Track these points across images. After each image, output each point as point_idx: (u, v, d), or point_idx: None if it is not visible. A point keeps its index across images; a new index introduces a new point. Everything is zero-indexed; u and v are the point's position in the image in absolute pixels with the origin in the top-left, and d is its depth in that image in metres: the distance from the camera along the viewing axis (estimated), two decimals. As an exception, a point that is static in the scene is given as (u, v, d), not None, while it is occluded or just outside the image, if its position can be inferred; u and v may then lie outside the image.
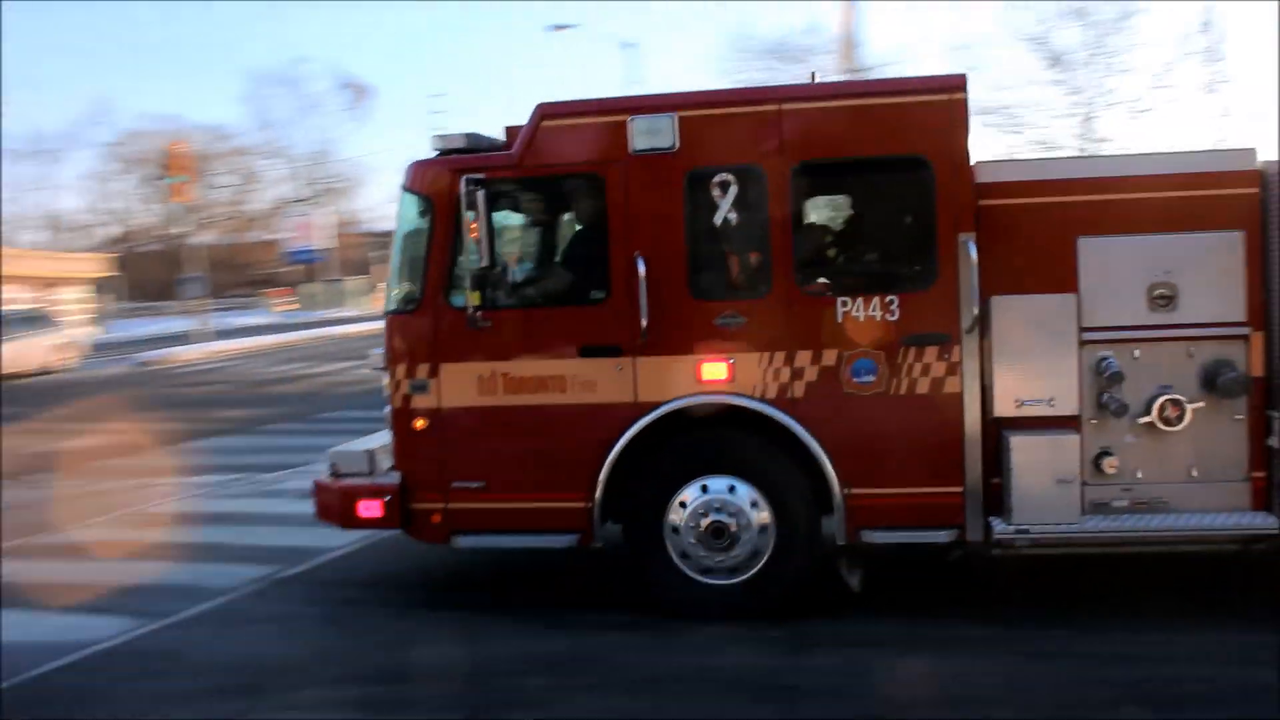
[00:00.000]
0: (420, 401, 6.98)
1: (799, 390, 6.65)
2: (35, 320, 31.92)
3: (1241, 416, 6.62)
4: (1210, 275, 6.61)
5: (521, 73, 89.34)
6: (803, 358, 6.65)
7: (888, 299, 6.57)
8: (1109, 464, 6.70)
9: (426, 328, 6.95)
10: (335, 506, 7.17)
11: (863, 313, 6.59)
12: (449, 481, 6.97)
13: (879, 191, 7.00)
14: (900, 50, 62.56)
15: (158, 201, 62.78)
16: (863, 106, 6.68)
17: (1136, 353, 6.70)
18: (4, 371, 28.07)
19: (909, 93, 6.64)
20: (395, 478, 7.07)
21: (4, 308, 35.18)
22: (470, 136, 7.02)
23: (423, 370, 6.97)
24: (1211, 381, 6.62)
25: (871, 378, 6.58)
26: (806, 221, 6.80)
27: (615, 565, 7.28)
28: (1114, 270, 6.69)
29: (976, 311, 6.49)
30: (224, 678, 6.31)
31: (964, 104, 6.49)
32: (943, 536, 6.66)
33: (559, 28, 43.07)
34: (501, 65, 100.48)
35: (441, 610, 7.41)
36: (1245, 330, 6.59)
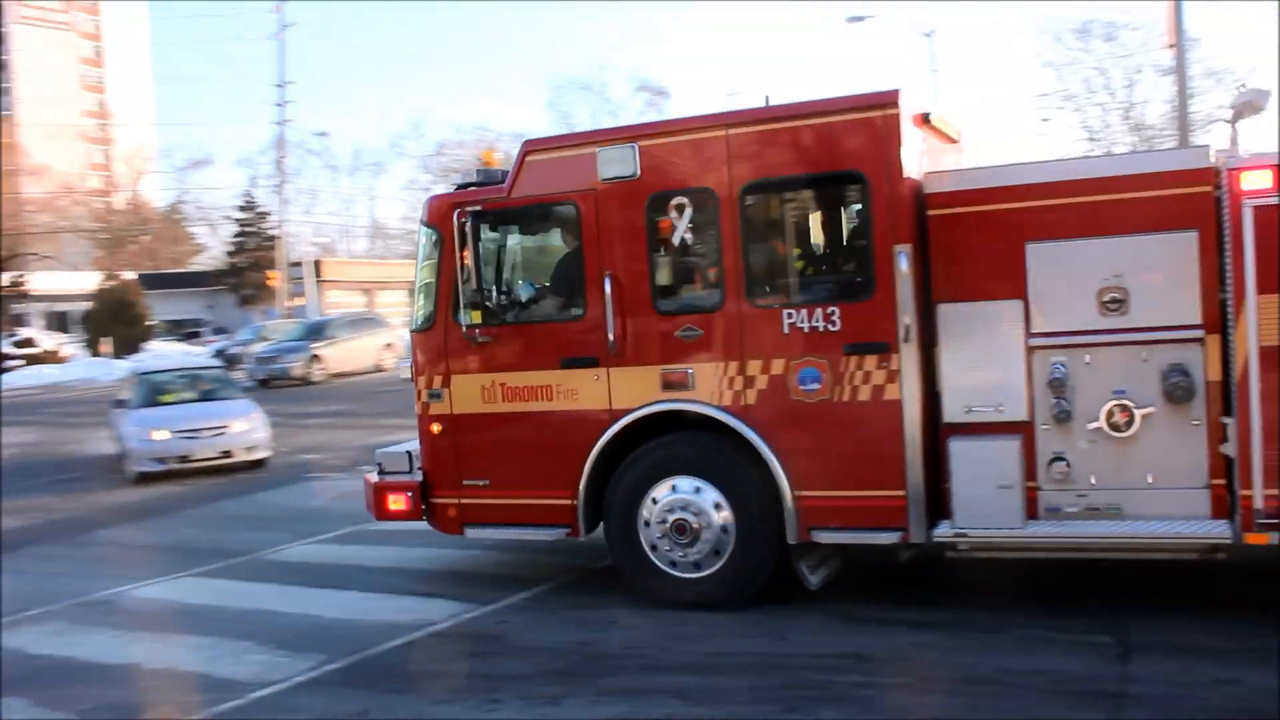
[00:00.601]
0: (437, 408, 8.01)
1: (751, 397, 7.17)
2: (367, 322, 35.20)
3: (1199, 422, 6.52)
4: (1163, 277, 6.55)
5: (822, 68, 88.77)
6: (754, 367, 7.16)
7: (829, 310, 6.97)
8: (1059, 470, 6.79)
9: (439, 343, 7.97)
10: (371, 500, 8.32)
11: (807, 323, 7.02)
12: (461, 479, 7.97)
13: (820, 207, 7.38)
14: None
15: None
16: (801, 127, 7.09)
17: (1088, 358, 6.74)
18: (340, 370, 31.43)
19: (843, 111, 6.98)
20: (419, 475, 8.11)
21: (339, 311, 39.62)
22: (483, 173, 7.93)
23: (438, 381, 8.00)
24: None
25: (816, 385, 6.99)
26: (754, 238, 7.24)
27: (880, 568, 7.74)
28: (1063, 275, 6.78)
29: (908, 321, 6.74)
30: (545, 662, 6.72)
31: (896, 119, 6.77)
32: (887, 538, 6.98)
33: (856, 19, 42.58)
34: (800, 61, 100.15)
35: (746, 606, 7.42)
36: (1200, 334, 6.47)
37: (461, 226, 7.70)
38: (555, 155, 7.70)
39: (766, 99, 7.38)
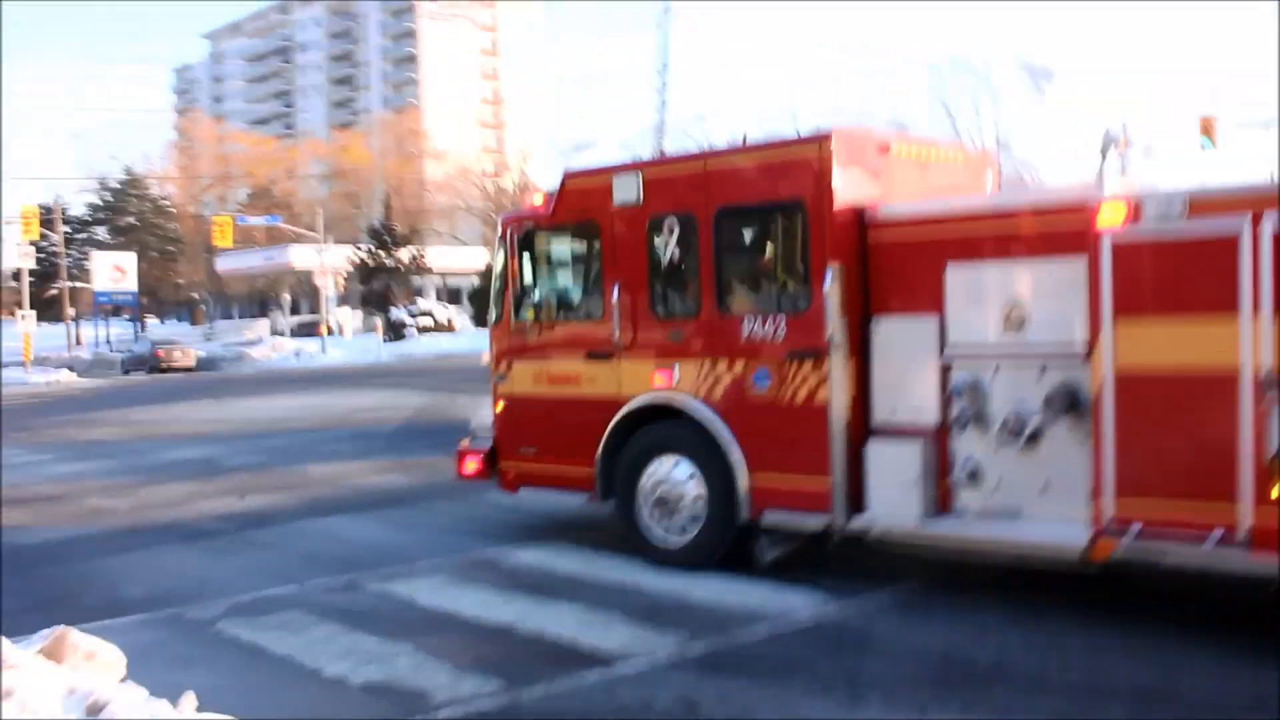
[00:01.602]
0: (502, 389, 9.90)
1: (718, 393, 8.54)
2: None
3: (1084, 436, 7.26)
4: (1056, 299, 7.34)
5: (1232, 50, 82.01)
6: (721, 366, 8.52)
7: (777, 319, 8.23)
8: (968, 473, 7.74)
9: (504, 336, 9.85)
10: (457, 463, 10.30)
11: (760, 331, 8.31)
12: (517, 448, 9.80)
13: (773, 230, 8.55)
14: None
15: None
16: (759, 163, 8.37)
17: (994, 371, 7.63)
18: None
19: (789, 148, 8.21)
20: (489, 444, 10.03)
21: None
22: (543, 196, 9.72)
23: (503, 367, 9.88)
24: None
25: (766, 384, 8.28)
26: (723, 256, 8.56)
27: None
28: (975, 294, 7.70)
29: (833, 332, 7.88)
30: (911, 666, 6.67)
31: (829, 157, 7.92)
32: (816, 522, 8.17)
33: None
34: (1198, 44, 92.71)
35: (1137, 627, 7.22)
36: (1084, 352, 7.22)
37: (518, 241, 9.49)
38: (585, 183, 9.36)
39: (744, 138, 8.64)
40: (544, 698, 6.39)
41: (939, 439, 7.84)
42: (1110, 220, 6.87)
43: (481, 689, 6.51)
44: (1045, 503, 7.48)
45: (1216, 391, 6.52)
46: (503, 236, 9.90)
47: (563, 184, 9.45)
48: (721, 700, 6.22)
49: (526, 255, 9.62)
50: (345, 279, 66.59)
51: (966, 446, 7.76)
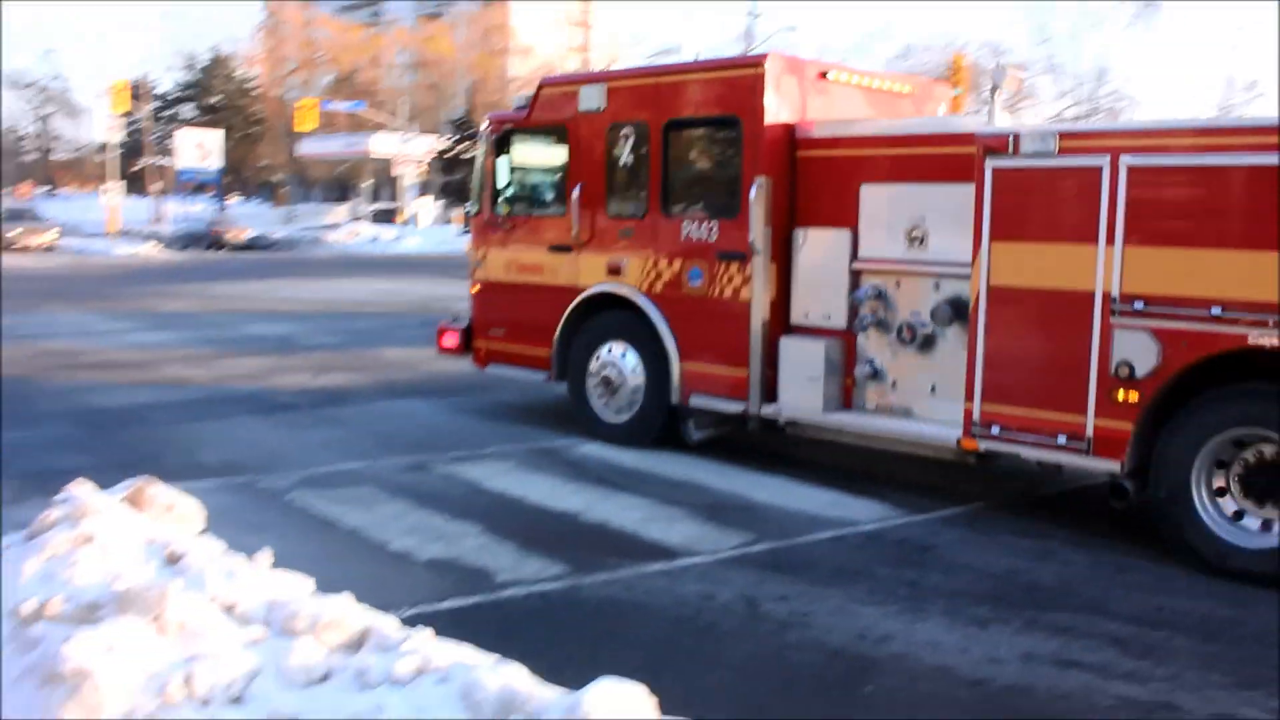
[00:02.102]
0: (478, 275, 10.92)
1: (659, 287, 9.48)
2: None
3: (964, 345, 8.08)
4: (950, 220, 8.12)
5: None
6: (662, 264, 9.44)
7: (711, 223, 9.09)
8: (868, 373, 8.61)
9: (481, 226, 10.81)
10: (436, 338, 11.36)
11: (696, 233, 9.19)
12: (488, 328, 10.82)
13: (711, 143, 9.37)
14: None
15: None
16: (703, 80, 9.19)
17: (897, 283, 8.46)
18: None
19: (728, 69, 9.02)
20: (467, 321, 11.06)
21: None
22: (523, 98, 10.61)
23: (480, 255, 10.87)
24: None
25: (700, 282, 9.18)
26: (669, 164, 9.41)
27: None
28: (884, 213, 8.53)
29: (755, 237, 8.74)
30: (973, 582, 6.70)
31: (761, 78, 8.70)
32: (734, 407, 9.11)
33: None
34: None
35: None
36: (969, 270, 8.01)
37: (497, 139, 10.41)
38: (559, 90, 10.23)
39: (697, 55, 9.43)
40: (605, 584, 6.57)
41: (845, 341, 8.68)
42: (993, 151, 7.59)
43: (544, 571, 6.72)
44: (933, 402, 8.35)
45: (1071, 310, 7.29)
46: (485, 134, 10.80)
47: (539, 89, 10.34)
48: (780, 600, 6.35)
49: (504, 154, 10.55)
50: (426, 169, 67.70)
51: (869, 349, 8.62)
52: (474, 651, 4.07)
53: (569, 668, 4.61)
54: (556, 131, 10.27)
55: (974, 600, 6.40)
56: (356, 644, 4.11)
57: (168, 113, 74.62)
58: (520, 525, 7.65)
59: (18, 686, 3.73)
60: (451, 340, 11.22)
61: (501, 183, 10.59)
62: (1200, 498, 6.94)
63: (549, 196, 10.53)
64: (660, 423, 9.64)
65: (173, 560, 4.45)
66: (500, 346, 10.82)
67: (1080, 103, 69.97)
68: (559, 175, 10.32)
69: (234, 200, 79.14)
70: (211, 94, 77.54)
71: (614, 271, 9.77)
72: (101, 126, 68.70)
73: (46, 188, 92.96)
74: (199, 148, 66.68)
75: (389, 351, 16.24)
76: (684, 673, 5.39)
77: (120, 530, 4.56)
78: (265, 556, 4.70)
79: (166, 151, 70.52)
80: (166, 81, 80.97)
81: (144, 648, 3.84)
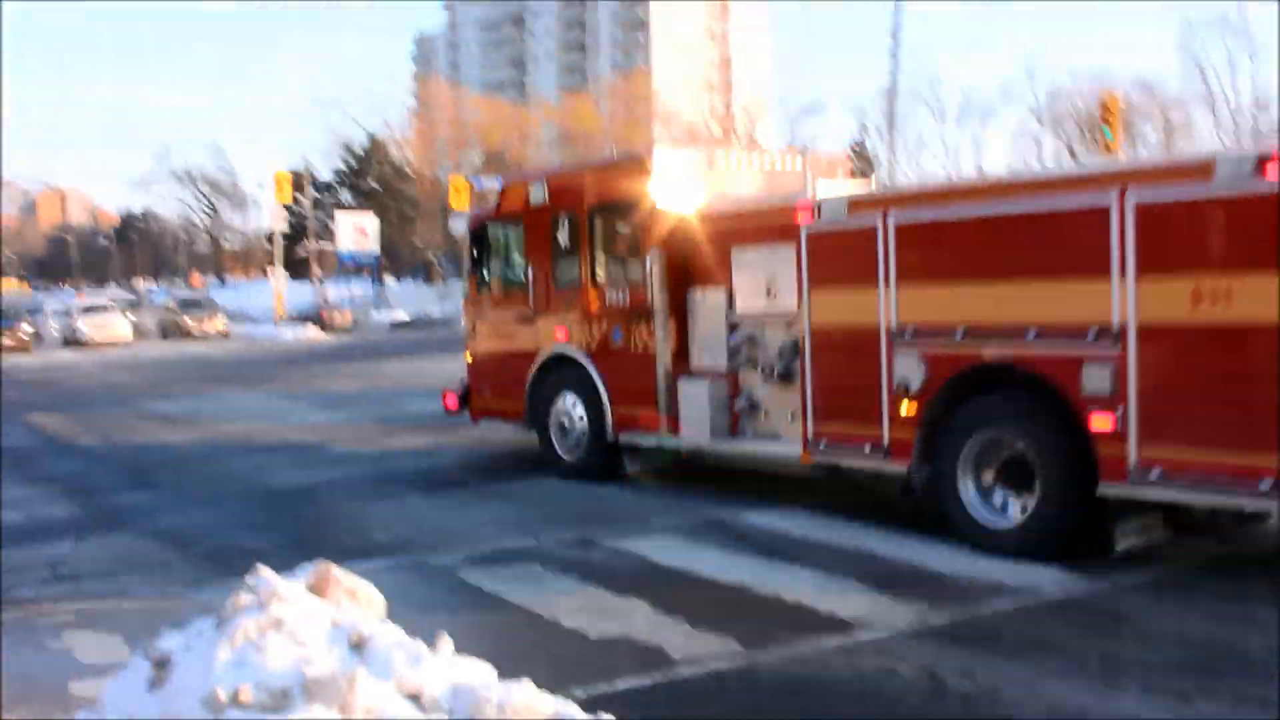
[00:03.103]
0: (470, 346, 13.55)
1: (594, 346, 11.91)
2: None
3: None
4: (789, 274, 10.17)
5: None
6: (595, 326, 11.81)
7: (625, 289, 11.38)
8: (746, 405, 10.70)
9: (470, 306, 13.36)
10: (442, 401, 13.87)
11: (615, 298, 11.51)
12: (479, 389, 13.31)
13: (622, 222, 11.64)
14: None
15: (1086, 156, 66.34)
16: (615, 173, 11.64)
17: (762, 329, 10.58)
18: None
19: (629, 162, 11.42)
20: (463, 386, 13.55)
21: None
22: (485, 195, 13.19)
23: (470, 329, 13.42)
24: (783, 353, 10.29)
25: (619, 338, 11.52)
26: (594, 241, 11.73)
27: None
28: (749, 271, 10.68)
29: (654, 299, 10.97)
30: (1172, 652, 6.51)
31: (650, 170, 11.02)
32: (650, 441, 11.33)
33: None
34: None
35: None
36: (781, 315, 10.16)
37: (474, 232, 12.93)
38: (516, 187, 12.91)
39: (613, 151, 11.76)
40: (782, 661, 6.60)
41: (729, 380, 10.78)
42: (803, 217, 9.65)
43: (718, 648, 6.80)
44: (793, 426, 10.34)
45: (866, 341, 9.35)
46: (467, 228, 13.36)
47: (503, 188, 12.89)
48: (965, 675, 6.20)
49: (481, 243, 13.09)
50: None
51: (745, 385, 10.71)
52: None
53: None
54: (516, 221, 12.77)
55: (1173, 671, 6.17)
56: (543, 732, 4.17)
57: (327, 199, 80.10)
58: (690, 600, 7.80)
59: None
60: (452, 401, 13.83)
61: (480, 267, 13.07)
62: (964, 489, 8.81)
63: (514, 275, 13.06)
64: (602, 459, 11.94)
65: (357, 646, 4.51)
66: (488, 403, 13.35)
67: (1238, 133, 68.10)
68: (520, 257, 12.74)
69: (389, 280, 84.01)
70: (368, 178, 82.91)
71: (565, 335, 12.06)
72: (266, 215, 74.18)
73: (217, 276, 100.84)
74: (357, 231, 71.43)
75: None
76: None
77: (306, 615, 4.63)
78: (445, 643, 4.71)
79: (327, 236, 75.67)
80: (325, 169, 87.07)
81: (333, 736, 3.91)
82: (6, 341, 44.93)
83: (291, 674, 4.25)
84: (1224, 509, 7.90)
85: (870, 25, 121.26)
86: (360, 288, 73.10)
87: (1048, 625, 7.08)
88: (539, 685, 4.45)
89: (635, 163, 11.47)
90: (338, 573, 5.13)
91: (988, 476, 8.80)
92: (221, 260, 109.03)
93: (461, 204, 66.26)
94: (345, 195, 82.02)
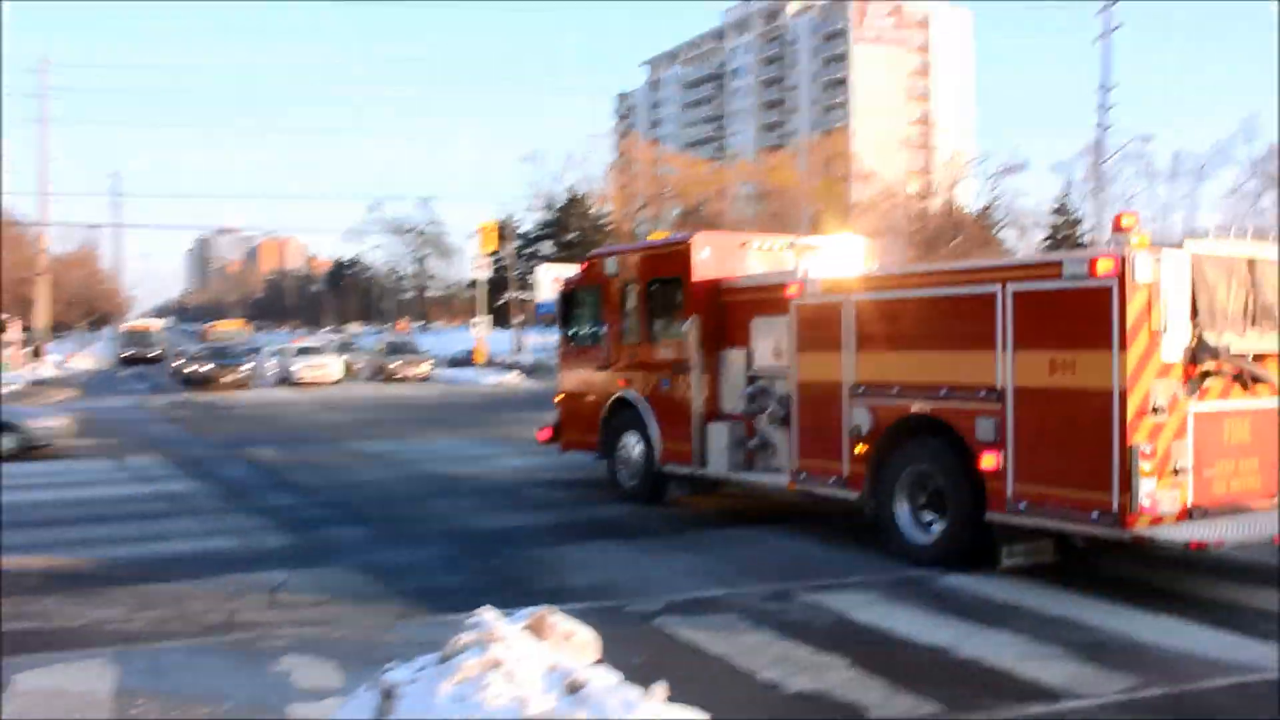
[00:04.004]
0: (561, 387, 16.51)
1: (647, 392, 14.63)
2: None
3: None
4: (788, 340, 12.66)
5: None
6: (649, 377, 14.58)
7: (672, 347, 14.09)
8: (760, 444, 13.22)
9: (562, 355, 16.30)
10: (537, 435, 16.81)
11: (664, 354, 14.24)
12: (566, 425, 16.23)
13: (671, 292, 14.29)
14: None
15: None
16: (663, 252, 14.43)
17: (772, 381, 13.10)
18: None
19: (674, 244, 14.14)
20: (555, 421, 16.46)
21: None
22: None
23: (561, 374, 16.47)
24: (773, 402, 12.83)
25: (666, 387, 14.19)
26: (650, 308, 14.45)
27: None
28: (763, 336, 13.28)
29: (690, 356, 13.63)
30: None
31: (690, 250, 13.70)
32: (685, 470, 13.96)
33: None
34: None
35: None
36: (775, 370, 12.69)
37: (564, 295, 15.90)
38: (595, 260, 15.94)
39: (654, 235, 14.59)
40: None
41: (745, 423, 13.29)
42: (792, 293, 12.14)
43: (917, 710, 6.78)
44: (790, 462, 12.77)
45: (832, 394, 11.82)
46: (559, 293, 16.30)
47: (587, 260, 15.77)
48: None
49: (569, 305, 16.03)
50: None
51: (759, 428, 13.19)
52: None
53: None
54: (595, 288, 15.61)
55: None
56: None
57: (529, 250, 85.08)
58: (889, 659, 7.81)
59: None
60: (545, 434, 16.70)
61: (573, 323, 15.97)
62: (900, 513, 11.15)
63: (592, 332, 15.79)
64: (651, 485, 14.53)
65: (573, 689, 4.59)
66: (573, 437, 16.26)
67: None
68: (596, 318, 15.57)
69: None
70: (568, 231, 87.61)
71: (627, 383, 14.79)
72: (470, 265, 79.04)
73: (421, 322, 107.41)
74: (556, 282, 75.54)
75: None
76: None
77: (524, 657, 4.75)
78: (661, 690, 4.76)
79: (527, 286, 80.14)
80: (527, 222, 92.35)
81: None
82: (228, 378, 49.25)
83: (510, 713, 4.35)
84: (1073, 535, 10.00)
85: (1078, 83, 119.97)
86: (557, 336, 76.90)
87: (1269, 706, 6.89)
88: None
89: (681, 244, 14.23)
90: (555, 617, 5.25)
91: (919, 502, 11.07)
92: (426, 306, 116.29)
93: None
94: (546, 247, 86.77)
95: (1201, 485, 9.62)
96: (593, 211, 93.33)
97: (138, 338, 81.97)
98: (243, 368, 51.49)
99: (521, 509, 15.23)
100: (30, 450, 22.18)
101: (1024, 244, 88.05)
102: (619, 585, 10.42)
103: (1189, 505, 9.51)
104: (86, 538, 13.30)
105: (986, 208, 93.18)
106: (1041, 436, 9.89)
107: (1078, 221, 72.61)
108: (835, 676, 7.46)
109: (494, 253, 73.36)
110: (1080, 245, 64.00)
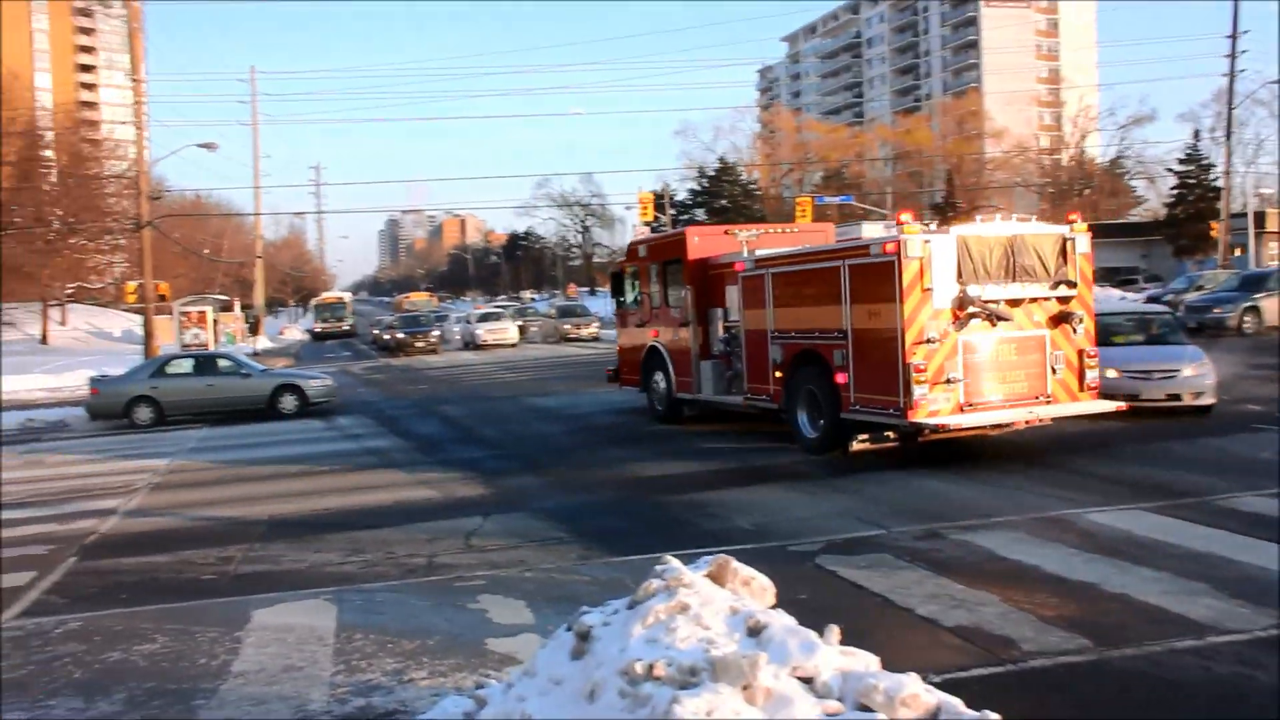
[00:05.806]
0: (619, 340, 22.06)
1: (666, 342, 20.00)
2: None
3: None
4: (739, 302, 17.56)
5: None
6: (666, 331, 20.01)
7: (679, 309, 19.24)
8: (733, 374, 18.24)
9: (620, 315, 21.78)
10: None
11: (674, 314, 19.52)
12: (622, 368, 21.64)
13: (676, 270, 19.36)
14: None
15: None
16: (669, 240, 19.70)
17: (739, 330, 18.07)
18: (1276, 323, 31.02)
19: (675, 235, 19.57)
20: (615, 365, 21.85)
21: None
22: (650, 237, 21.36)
23: (619, 330, 21.90)
24: (745, 344, 17.80)
25: (677, 338, 19.57)
26: (666, 281, 19.60)
27: None
28: (732, 299, 18.18)
29: (688, 315, 18.70)
30: None
31: (685, 237, 18.86)
32: (688, 396, 19.08)
33: None
34: None
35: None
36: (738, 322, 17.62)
37: (615, 273, 21.23)
38: (634, 246, 21.26)
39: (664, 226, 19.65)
40: (1132, 659, 6.52)
41: (724, 360, 18.30)
42: (739, 268, 17.04)
43: (1067, 643, 6.79)
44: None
45: (763, 338, 16.84)
46: (612, 272, 21.51)
47: (630, 246, 20.99)
48: None
49: (619, 279, 21.44)
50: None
51: (733, 364, 18.13)
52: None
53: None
54: (635, 269, 20.90)
55: None
56: (929, 723, 4.31)
57: (684, 217, 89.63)
58: (1038, 595, 7.83)
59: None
60: (609, 374, 21.90)
61: (622, 294, 21.26)
62: (800, 417, 15.97)
63: (635, 300, 21.06)
64: (670, 409, 19.82)
65: (754, 631, 4.63)
66: (625, 376, 21.61)
67: None
68: (639, 289, 20.71)
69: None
70: (720, 198, 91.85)
71: (656, 334, 19.87)
72: (632, 232, 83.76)
73: (589, 287, 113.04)
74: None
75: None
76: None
77: (708, 601, 4.79)
78: (835, 633, 4.76)
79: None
80: (682, 190, 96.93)
81: (737, 712, 4.16)
82: (419, 344, 51.82)
83: (698, 654, 4.40)
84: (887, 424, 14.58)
85: (1208, 27, 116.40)
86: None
87: (1225, 665, 6.60)
88: (894, 670, 4.43)
89: (680, 235, 19.38)
90: (735, 564, 5.25)
91: (810, 410, 15.77)
92: (592, 273, 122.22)
93: (806, 219, 73.57)
94: (699, 214, 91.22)
95: (973, 389, 14.06)
96: (742, 179, 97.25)
97: (329, 310, 78.39)
98: (432, 334, 53.75)
99: (686, 457, 15.96)
100: (309, 407, 24.99)
101: (1153, 192, 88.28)
102: (780, 527, 10.76)
103: (962, 403, 14.00)
104: (304, 490, 14.82)
105: (1116, 159, 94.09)
106: (865, 361, 14.54)
107: (1210, 166, 72.40)
108: (987, 611, 7.59)
109: (652, 221, 78.08)
110: (1214, 189, 65.28)
